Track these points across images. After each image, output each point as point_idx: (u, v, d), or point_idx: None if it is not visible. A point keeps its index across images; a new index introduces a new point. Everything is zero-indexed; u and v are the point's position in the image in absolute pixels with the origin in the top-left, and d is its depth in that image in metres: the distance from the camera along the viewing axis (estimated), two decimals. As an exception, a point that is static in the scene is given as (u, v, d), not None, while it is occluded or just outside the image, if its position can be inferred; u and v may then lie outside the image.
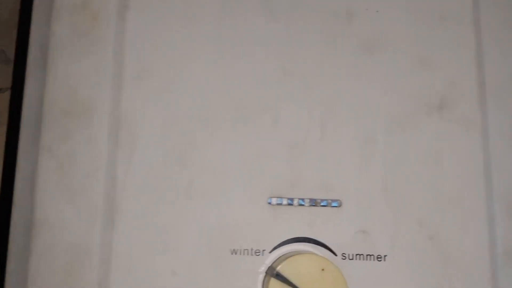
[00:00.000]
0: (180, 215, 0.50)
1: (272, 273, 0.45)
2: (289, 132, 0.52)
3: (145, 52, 0.53)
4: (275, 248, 0.50)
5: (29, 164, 0.50)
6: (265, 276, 0.46)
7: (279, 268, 0.45)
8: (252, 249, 0.50)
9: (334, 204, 0.51)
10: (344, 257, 0.50)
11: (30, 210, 0.49)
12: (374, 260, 0.51)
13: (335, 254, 0.50)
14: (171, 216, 0.50)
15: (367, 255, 0.51)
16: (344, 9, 0.55)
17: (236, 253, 0.49)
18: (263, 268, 0.48)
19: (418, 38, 0.55)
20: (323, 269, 0.46)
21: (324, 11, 0.55)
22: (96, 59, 0.52)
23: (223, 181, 0.51)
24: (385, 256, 0.51)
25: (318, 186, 0.51)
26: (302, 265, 0.46)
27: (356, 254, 0.50)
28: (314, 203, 0.51)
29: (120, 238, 0.49)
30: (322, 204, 0.51)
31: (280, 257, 0.48)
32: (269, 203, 0.51)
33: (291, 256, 0.46)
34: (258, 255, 0.49)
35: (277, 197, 0.51)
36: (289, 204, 0.51)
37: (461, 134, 0.53)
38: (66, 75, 0.52)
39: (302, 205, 0.51)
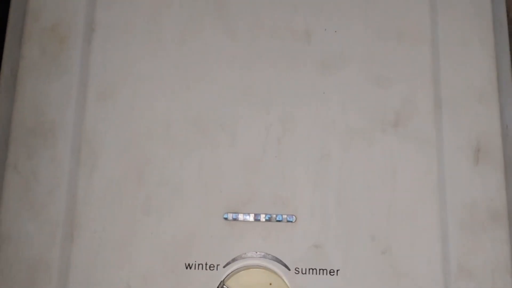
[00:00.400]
0: (136, 230, 0.52)
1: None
2: (246, 149, 0.54)
3: (108, 74, 0.55)
4: (229, 263, 0.51)
5: (-5, 181, 0.53)
6: (215, 291, 0.48)
7: (227, 284, 0.47)
8: (206, 264, 0.51)
9: (289, 219, 0.53)
10: (297, 272, 0.52)
11: (-6, 225, 0.51)
12: (327, 274, 0.52)
13: (289, 269, 0.51)
14: (127, 231, 0.51)
15: (320, 269, 0.52)
16: (303, 30, 0.56)
17: (190, 268, 0.51)
18: (216, 284, 0.49)
19: (375, 57, 0.56)
20: (270, 284, 0.48)
21: (284, 31, 0.56)
22: (62, 81, 0.55)
23: (179, 196, 0.52)
24: (337, 270, 0.52)
25: (273, 201, 0.53)
26: (250, 280, 0.48)
27: (309, 269, 0.52)
28: (269, 218, 0.52)
29: (78, 253, 0.51)
30: (277, 219, 0.52)
31: (231, 272, 0.50)
32: (225, 218, 0.52)
33: (240, 270, 0.48)
34: (213, 269, 0.51)
35: (233, 212, 0.52)
36: (245, 220, 0.52)
37: (415, 150, 0.54)
38: (33, 96, 0.54)
39: (258, 220, 0.52)
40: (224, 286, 0.47)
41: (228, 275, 0.49)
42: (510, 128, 0.57)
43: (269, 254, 0.52)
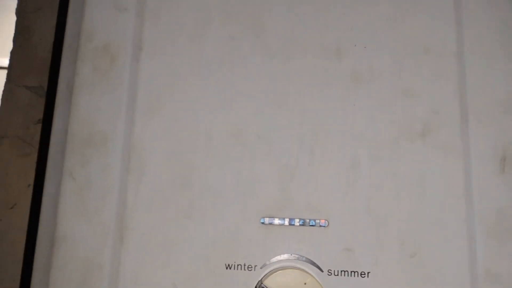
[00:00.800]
0: (180, 233, 0.56)
1: (260, 286, 0.51)
2: (281, 158, 0.58)
3: (155, 89, 0.60)
4: (265, 264, 0.55)
5: (53, 186, 0.58)
6: (253, 290, 0.52)
7: (265, 283, 0.51)
8: (245, 265, 0.55)
9: (321, 224, 0.56)
10: (330, 273, 0.55)
11: (53, 228, 0.56)
12: (358, 276, 0.55)
13: (322, 270, 0.55)
14: (172, 234, 0.56)
15: (351, 271, 0.55)
16: (334, 46, 0.60)
17: (230, 268, 0.55)
18: (254, 283, 0.53)
19: (402, 70, 0.59)
20: (305, 283, 0.51)
21: (316, 48, 0.60)
22: (113, 96, 0.60)
23: (220, 202, 0.57)
24: (368, 272, 0.55)
25: (306, 207, 0.56)
26: (286, 279, 0.51)
27: (341, 271, 0.55)
28: (303, 222, 0.56)
29: (128, 254, 0.56)
30: (310, 223, 0.56)
31: (268, 272, 0.53)
32: (262, 222, 0.56)
33: (276, 271, 0.52)
34: (250, 270, 0.55)
35: (269, 217, 0.56)
36: (280, 224, 0.56)
37: (442, 159, 0.57)
38: (87, 109, 0.60)
39: (292, 224, 0.56)
40: (263, 285, 0.50)
41: (265, 275, 0.53)
42: (536, 138, 0.59)
43: (303, 257, 0.55)
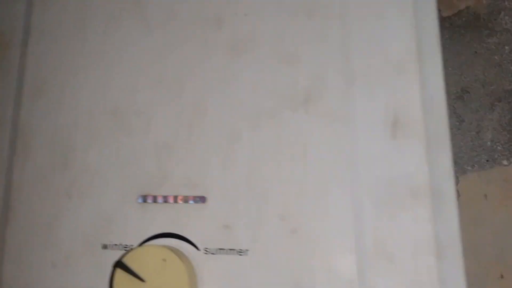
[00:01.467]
0: (60, 213, 0.55)
1: (117, 263, 0.49)
2: (159, 134, 0.56)
3: (41, 73, 0.60)
4: (142, 244, 0.53)
5: None
6: (113, 268, 0.50)
7: (123, 259, 0.49)
8: (121, 244, 0.54)
9: (199, 201, 0.54)
10: (206, 252, 0.52)
11: None
12: (235, 254, 0.52)
13: (198, 249, 0.53)
14: (53, 214, 0.56)
15: (229, 249, 0.52)
16: (213, 15, 0.58)
17: (107, 248, 0.54)
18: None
19: (285, 36, 0.56)
20: (164, 259, 0.49)
21: (196, 19, 0.58)
22: (3, 82, 0.60)
23: (99, 181, 0.56)
24: (246, 250, 0.52)
25: (185, 184, 0.54)
26: (144, 256, 0.49)
27: (219, 249, 0.52)
28: (180, 200, 0.54)
29: (12, 234, 0.56)
30: (188, 201, 0.54)
31: (130, 250, 0.51)
32: (139, 201, 0.54)
33: (136, 248, 0.50)
34: (127, 249, 0.53)
35: (147, 195, 0.55)
36: (157, 202, 0.54)
37: (326, 127, 0.53)
38: (-17, 96, 0.61)
39: (170, 202, 0.54)
40: (121, 261, 0.49)
41: (126, 252, 0.51)
42: (435, 99, 0.53)
43: (179, 235, 0.53)
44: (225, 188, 0.54)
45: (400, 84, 0.53)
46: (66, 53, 0.60)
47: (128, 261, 0.49)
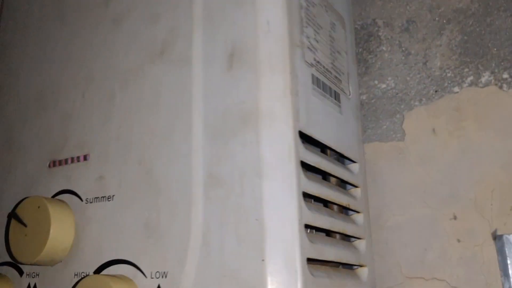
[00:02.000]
0: (4, 187, 0.67)
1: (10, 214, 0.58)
2: (63, 106, 0.64)
3: None
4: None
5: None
6: (8, 218, 0.58)
7: (16, 210, 0.58)
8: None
9: (84, 158, 0.60)
10: (87, 202, 0.58)
11: None
12: (105, 201, 0.56)
13: (82, 200, 0.58)
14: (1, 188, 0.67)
15: (101, 197, 0.57)
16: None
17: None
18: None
19: (151, 1, 0.60)
20: (39, 207, 0.56)
21: (94, 4, 0.66)
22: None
23: (24, 155, 0.66)
24: (113, 196, 0.56)
25: (77, 146, 0.61)
26: (27, 206, 0.57)
27: (95, 198, 0.57)
28: (73, 161, 0.61)
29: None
30: (78, 160, 0.60)
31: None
32: (48, 166, 0.63)
33: (24, 200, 0.58)
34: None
35: (53, 161, 0.63)
36: (59, 165, 0.62)
37: (176, 71, 0.55)
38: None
39: (68, 164, 0.61)
40: (14, 211, 0.57)
41: (16, 205, 0.59)
42: (271, 23, 0.52)
43: (70, 190, 0.60)
44: (103, 144, 0.59)
45: (238, 16, 0.53)
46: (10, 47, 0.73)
47: (18, 211, 0.57)
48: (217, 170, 0.50)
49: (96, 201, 0.57)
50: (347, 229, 0.55)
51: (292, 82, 0.50)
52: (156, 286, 0.49)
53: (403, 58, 0.66)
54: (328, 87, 0.58)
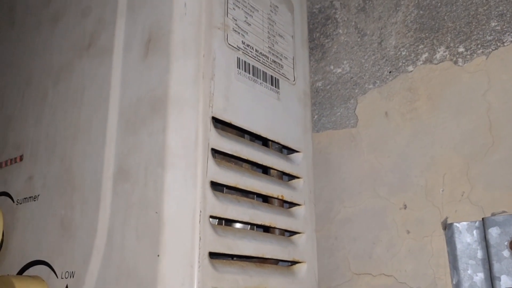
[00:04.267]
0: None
1: None
2: (7, 108, 0.63)
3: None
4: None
5: None
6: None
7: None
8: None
9: (19, 160, 0.58)
10: (18, 203, 0.56)
11: None
12: (32, 201, 0.54)
13: (13, 201, 0.57)
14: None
15: (29, 197, 0.55)
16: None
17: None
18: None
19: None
20: (-33, 209, 0.55)
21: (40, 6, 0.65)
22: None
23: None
24: (38, 195, 0.54)
25: (14, 147, 0.60)
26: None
27: (24, 198, 0.56)
28: (9, 163, 0.59)
29: None
30: (13, 162, 0.59)
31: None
32: (-7, 169, 0.62)
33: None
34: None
35: (-2, 163, 0.62)
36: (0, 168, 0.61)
37: (99, 64, 0.53)
38: None
39: (7, 166, 0.60)
40: None
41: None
42: (188, 5, 0.48)
43: (6, 192, 0.58)
44: (34, 143, 0.57)
45: (156, 2, 0.50)
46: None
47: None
48: (126, 162, 0.46)
49: (25, 202, 0.55)
50: (279, 222, 0.50)
51: (206, 66, 0.47)
52: (65, 286, 0.46)
53: (358, 40, 0.61)
54: (261, 72, 0.53)
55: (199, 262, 0.41)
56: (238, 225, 0.53)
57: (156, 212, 0.42)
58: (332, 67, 0.63)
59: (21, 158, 0.58)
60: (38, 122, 0.57)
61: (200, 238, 0.41)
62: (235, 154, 0.47)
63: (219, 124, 0.49)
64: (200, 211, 0.42)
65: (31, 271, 0.51)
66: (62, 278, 0.47)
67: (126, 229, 0.44)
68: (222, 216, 0.44)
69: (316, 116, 0.63)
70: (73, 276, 0.46)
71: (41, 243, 0.51)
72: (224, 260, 0.45)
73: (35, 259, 0.51)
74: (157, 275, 0.40)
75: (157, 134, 0.45)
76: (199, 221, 0.42)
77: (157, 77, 0.47)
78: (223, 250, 0.43)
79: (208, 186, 0.44)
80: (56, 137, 0.54)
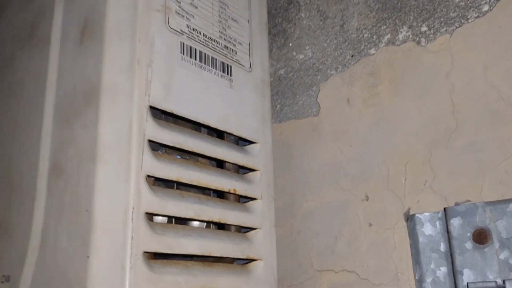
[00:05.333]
0: None
1: None
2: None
3: None
4: None
5: None
6: None
7: None
8: None
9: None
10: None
11: None
12: None
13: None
14: None
15: None
16: None
17: None
18: None
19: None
20: None
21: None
22: None
23: None
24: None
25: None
26: None
27: None
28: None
29: None
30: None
31: None
32: None
33: None
34: None
35: None
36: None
37: (38, 55, 0.49)
38: None
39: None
40: None
41: None
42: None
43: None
44: None
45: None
46: None
47: None
48: (59, 158, 0.43)
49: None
50: (231, 218, 0.47)
51: (142, 51, 0.44)
52: (-1, 292, 0.44)
53: (321, 23, 0.58)
54: (210, 58, 0.50)
55: (131, 263, 0.37)
56: (196, 223, 0.50)
57: (87, 210, 0.39)
58: (294, 53, 0.60)
59: None
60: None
61: (132, 237, 0.38)
62: (177, 146, 0.44)
63: (173, 117, 0.46)
64: (133, 208, 0.39)
65: (-28, 276, 0.48)
66: (-2, 283, 0.44)
67: (59, 229, 0.41)
68: (160, 213, 0.41)
69: (278, 106, 0.59)
70: (8, 280, 0.43)
71: (-18, 247, 0.48)
72: (166, 261, 0.41)
73: (-24, 264, 0.48)
74: (87, 279, 0.37)
75: (90, 126, 0.42)
76: (132, 219, 0.39)
77: (92, 65, 0.44)
78: (161, 249, 0.40)
79: (143, 180, 0.40)
80: (-1, 135, 0.51)
